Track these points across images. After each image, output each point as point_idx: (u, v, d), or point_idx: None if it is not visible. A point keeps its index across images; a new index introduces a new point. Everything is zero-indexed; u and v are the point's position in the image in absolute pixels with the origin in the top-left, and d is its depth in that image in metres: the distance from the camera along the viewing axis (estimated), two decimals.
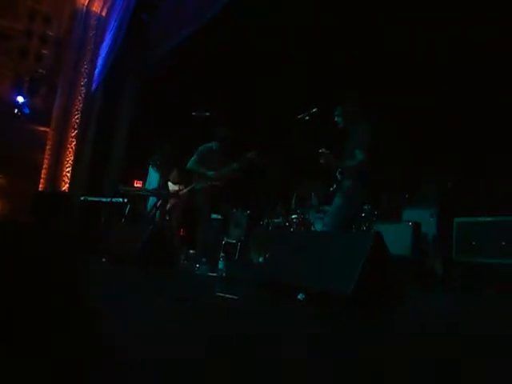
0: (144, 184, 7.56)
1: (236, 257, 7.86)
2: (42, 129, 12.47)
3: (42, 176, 11.05)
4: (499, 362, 1.71)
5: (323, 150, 4.28)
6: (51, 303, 1.11)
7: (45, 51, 14.64)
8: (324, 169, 4.37)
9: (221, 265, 5.15)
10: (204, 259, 5.40)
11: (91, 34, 11.35)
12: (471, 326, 2.69)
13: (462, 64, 5.97)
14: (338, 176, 4.42)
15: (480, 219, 5.59)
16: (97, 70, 11.23)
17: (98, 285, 3.09)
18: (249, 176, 5.77)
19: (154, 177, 7.24)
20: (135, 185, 8.41)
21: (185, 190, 7.08)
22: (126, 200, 7.02)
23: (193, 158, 5.74)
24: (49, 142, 11.24)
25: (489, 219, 5.51)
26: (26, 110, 13.49)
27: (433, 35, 6.15)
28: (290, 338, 1.93)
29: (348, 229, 4.74)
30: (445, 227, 5.91)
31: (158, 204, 6.85)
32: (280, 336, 1.94)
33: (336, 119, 4.46)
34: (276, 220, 7.62)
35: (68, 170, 10.93)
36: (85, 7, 11.41)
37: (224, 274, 5.03)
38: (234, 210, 8.25)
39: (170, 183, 7.39)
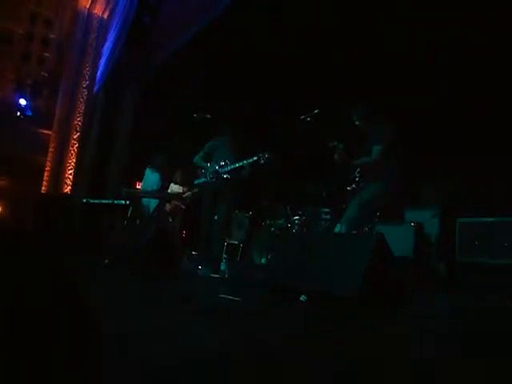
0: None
1: (238, 258, 7.86)
2: (45, 131, 12.51)
3: (45, 178, 11.07)
4: (499, 363, 1.70)
5: (335, 143, 4.17)
6: (51, 303, 1.11)
7: (47, 54, 14.69)
8: (337, 166, 4.26)
9: (223, 266, 5.15)
10: (204, 262, 5.37)
11: (93, 37, 11.38)
12: (473, 326, 2.68)
13: (463, 64, 5.96)
14: (357, 177, 4.35)
15: (483, 220, 5.57)
16: (98, 73, 11.26)
17: (98, 285, 3.09)
18: (251, 177, 5.65)
19: (150, 178, 7.26)
20: (137, 186, 8.42)
21: (189, 193, 7.09)
22: (128, 202, 7.03)
23: (200, 153, 5.69)
24: (51, 145, 11.26)
25: (492, 220, 5.48)
26: (29, 113, 13.56)
27: (434, 35, 6.13)
28: (290, 338, 1.92)
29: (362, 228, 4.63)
30: (447, 228, 5.89)
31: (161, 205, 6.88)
32: (281, 337, 1.93)
33: (356, 122, 4.38)
34: (278, 221, 7.61)
35: (70, 172, 10.94)
36: (86, 10, 11.44)
37: (226, 276, 5.02)
38: (237, 212, 8.24)
39: (172, 184, 7.41)
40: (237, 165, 5.35)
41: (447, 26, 5.96)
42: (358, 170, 4.34)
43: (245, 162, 5.28)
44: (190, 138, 6.23)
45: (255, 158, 5.20)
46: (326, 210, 7.26)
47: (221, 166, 5.44)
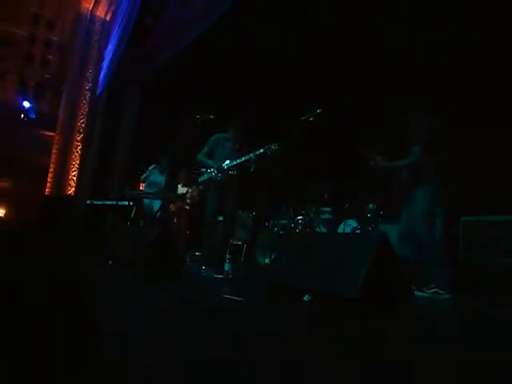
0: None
1: (242, 259, 7.86)
2: (48, 133, 12.57)
3: (49, 180, 11.13)
4: (499, 363, 1.69)
5: (368, 149, 4.14)
6: (52, 304, 1.11)
7: (50, 56, 14.74)
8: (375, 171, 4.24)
9: (227, 267, 5.14)
10: (208, 262, 5.35)
11: (95, 39, 11.43)
12: (473, 325, 2.67)
13: (463, 63, 5.94)
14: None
15: (487, 218, 5.53)
16: (101, 75, 11.29)
17: (100, 286, 3.09)
18: (258, 170, 5.52)
19: (158, 179, 7.26)
20: (141, 187, 8.44)
21: (194, 193, 7.09)
22: (131, 203, 7.05)
23: (204, 149, 5.56)
24: (55, 146, 11.32)
25: (496, 218, 5.45)
26: (32, 115, 13.61)
27: (434, 35, 6.12)
28: (292, 338, 1.92)
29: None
30: (451, 226, 5.85)
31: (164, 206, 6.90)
32: (283, 337, 1.93)
33: (406, 119, 4.37)
34: (282, 221, 7.61)
35: (74, 173, 10.99)
36: (89, 12, 11.48)
37: (230, 276, 5.02)
38: (240, 212, 8.24)
39: (179, 186, 7.43)
40: (243, 158, 5.28)
41: (447, 25, 5.94)
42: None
43: (251, 154, 5.21)
44: (192, 139, 6.21)
45: (261, 151, 5.14)
46: (328, 209, 7.26)
47: (225, 161, 5.36)
